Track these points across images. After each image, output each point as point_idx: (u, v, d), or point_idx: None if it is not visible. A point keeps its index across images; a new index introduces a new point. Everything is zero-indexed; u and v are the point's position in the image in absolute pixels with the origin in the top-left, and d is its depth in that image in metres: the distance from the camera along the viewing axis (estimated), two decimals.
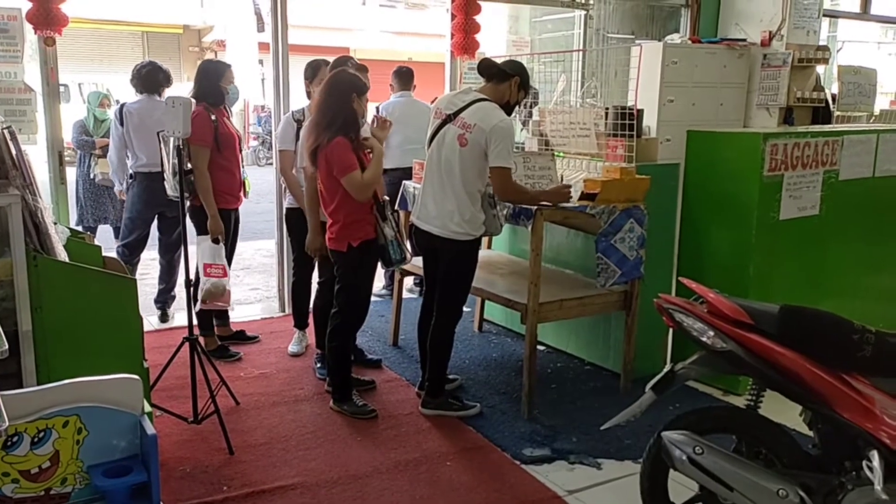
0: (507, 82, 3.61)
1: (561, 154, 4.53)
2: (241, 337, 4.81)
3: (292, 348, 4.64)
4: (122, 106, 4.89)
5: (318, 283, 4.28)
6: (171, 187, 4.13)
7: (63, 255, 2.78)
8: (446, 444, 3.52)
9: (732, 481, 2.33)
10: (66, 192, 4.70)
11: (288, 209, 4.49)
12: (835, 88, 6.19)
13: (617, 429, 2.76)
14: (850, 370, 2.25)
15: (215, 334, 4.63)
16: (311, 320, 4.54)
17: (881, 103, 7.24)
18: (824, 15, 6.24)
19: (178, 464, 3.26)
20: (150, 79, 4.88)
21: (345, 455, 3.40)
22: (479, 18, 5.72)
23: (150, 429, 2.02)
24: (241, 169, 4.52)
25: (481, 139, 3.46)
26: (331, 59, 4.32)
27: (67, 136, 5.12)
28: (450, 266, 3.69)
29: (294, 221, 4.38)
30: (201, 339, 4.50)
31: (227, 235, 4.48)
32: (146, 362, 2.98)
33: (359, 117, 3.59)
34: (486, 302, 4.91)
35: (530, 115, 4.92)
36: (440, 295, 3.77)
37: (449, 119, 3.59)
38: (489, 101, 3.56)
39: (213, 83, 4.32)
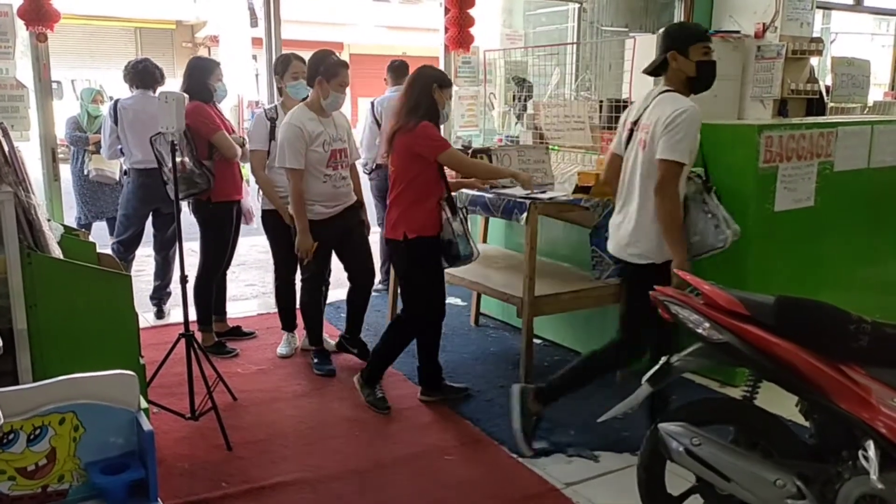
0: (683, 56, 3.06)
1: (556, 147, 4.53)
2: (238, 333, 4.81)
3: (281, 350, 4.54)
4: (117, 102, 4.87)
5: (302, 281, 4.25)
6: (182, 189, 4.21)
7: (57, 252, 2.77)
8: (445, 438, 3.52)
9: (729, 472, 2.33)
10: (59, 188, 4.68)
11: (264, 211, 4.36)
12: (829, 80, 6.21)
13: (614, 421, 2.76)
14: (846, 360, 2.25)
15: (213, 331, 4.63)
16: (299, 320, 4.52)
17: (875, 95, 7.26)
18: (818, 7, 6.25)
19: (176, 460, 3.26)
20: (146, 74, 4.86)
21: (344, 450, 3.40)
22: (472, 12, 5.71)
23: (146, 425, 2.02)
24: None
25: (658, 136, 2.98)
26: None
27: (60, 132, 5.09)
28: (631, 295, 3.24)
29: (271, 223, 4.29)
30: (198, 335, 4.51)
31: (231, 227, 4.48)
32: (142, 359, 2.97)
33: (440, 108, 3.58)
34: (483, 296, 4.91)
35: (525, 108, 4.92)
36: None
37: (634, 127, 3.16)
38: (670, 92, 3.07)
39: (202, 80, 4.31)
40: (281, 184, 4.13)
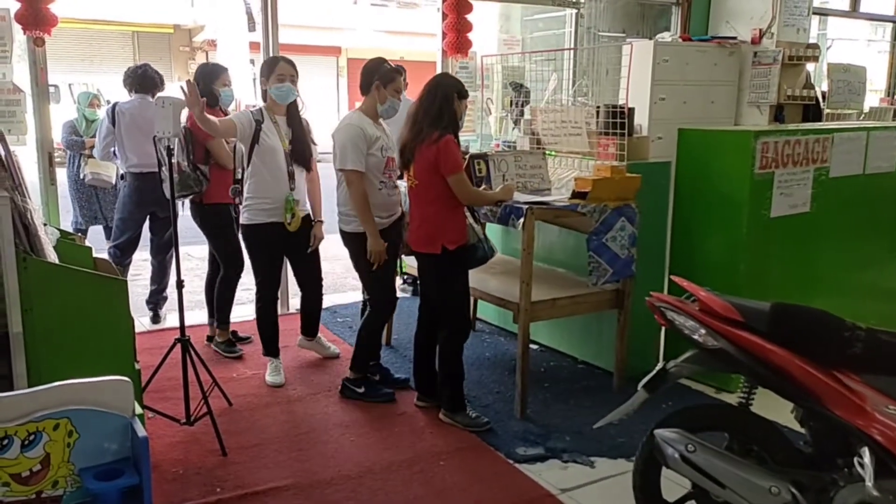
0: None
1: (552, 153, 4.54)
2: (234, 337, 4.80)
3: (272, 378, 4.17)
4: (115, 105, 4.88)
5: (372, 304, 4.00)
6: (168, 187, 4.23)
7: (53, 257, 2.77)
8: (439, 443, 3.52)
9: (724, 479, 2.34)
10: (56, 192, 4.68)
11: (245, 226, 4.00)
12: (825, 86, 6.23)
13: (610, 427, 2.76)
14: (841, 367, 2.26)
15: (229, 328, 4.65)
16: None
17: (871, 101, 7.28)
18: (814, 13, 6.28)
19: (170, 466, 3.25)
20: (146, 79, 4.87)
21: (338, 456, 3.39)
22: (470, 17, 5.71)
23: (141, 431, 2.02)
24: None
25: None
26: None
27: (57, 136, 5.10)
28: None
29: (254, 239, 4.02)
30: (214, 330, 4.61)
31: (233, 227, 4.47)
32: (138, 364, 2.97)
33: (458, 119, 3.58)
34: (479, 301, 4.91)
35: (522, 113, 4.92)
36: None
37: None
38: None
39: (208, 85, 4.32)
40: (264, 193, 3.91)
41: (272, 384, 4.15)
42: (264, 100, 4.11)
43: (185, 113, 3.72)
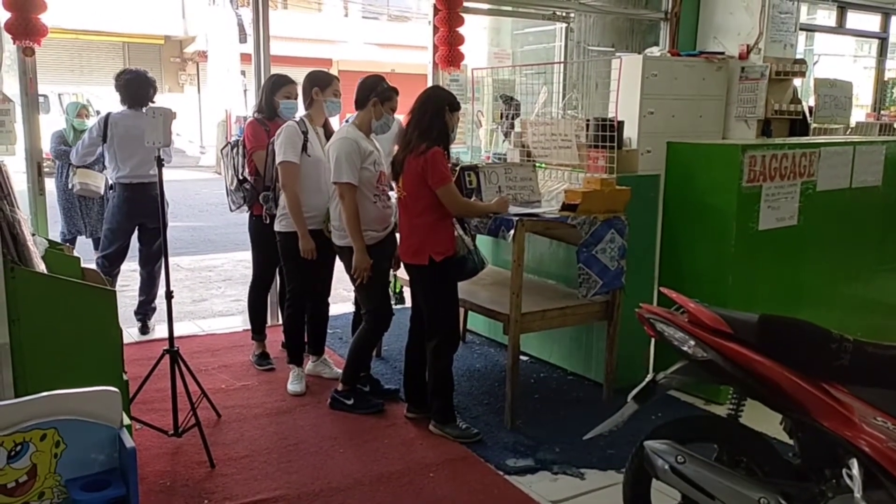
0: None
1: (542, 165, 4.56)
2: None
3: (294, 387, 4.20)
4: (108, 115, 4.85)
5: (367, 319, 3.95)
6: (231, 200, 4.41)
7: (41, 267, 2.76)
8: (429, 455, 3.51)
9: (714, 490, 2.34)
10: (44, 202, 4.65)
11: (283, 234, 4.10)
12: (811, 101, 6.29)
13: (600, 438, 2.76)
14: (828, 379, 2.27)
15: (263, 340, 4.66)
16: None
17: (857, 115, 7.36)
18: (801, 29, 6.36)
19: (158, 477, 3.23)
20: (139, 95, 4.82)
21: (327, 467, 3.38)
22: (461, 30, 5.74)
23: (128, 442, 2.00)
24: None
25: None
26: (310, 69, 4.28)
27: (46, 146, 5.07)
28: None
29: (292, 249, 4.05)
30: (252, 343, 4.65)
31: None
32: (125, 374, 2.95)
33: (450, 132, 3.61)
34: (469, 312, 4.92)
35: (512, 126, 4.94)
36: None
37: None
38: None
39: (269, 97, 4.36)
40: (306, 204, 4.00)
41: (293, 392, 4.18)
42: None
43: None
